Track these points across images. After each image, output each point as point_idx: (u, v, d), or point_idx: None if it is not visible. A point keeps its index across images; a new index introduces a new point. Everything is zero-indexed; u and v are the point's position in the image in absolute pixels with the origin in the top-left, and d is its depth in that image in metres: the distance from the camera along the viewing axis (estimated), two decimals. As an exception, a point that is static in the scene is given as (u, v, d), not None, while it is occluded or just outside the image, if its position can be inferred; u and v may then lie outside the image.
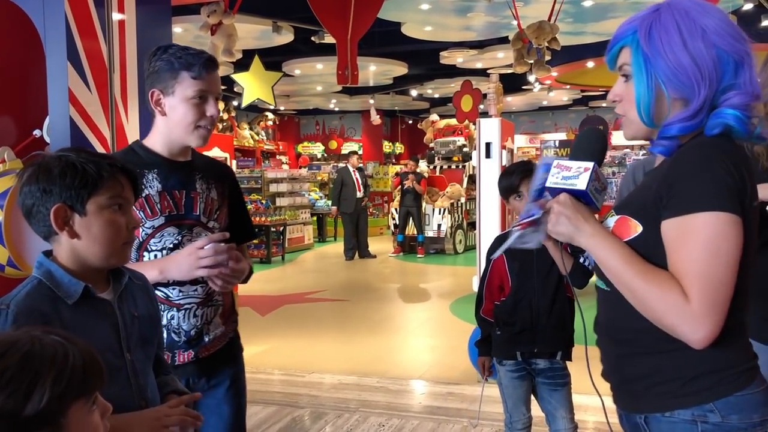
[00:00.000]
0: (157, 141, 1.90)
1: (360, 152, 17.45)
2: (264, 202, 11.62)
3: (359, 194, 11.51)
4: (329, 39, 9.24)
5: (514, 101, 17.93)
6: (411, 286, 9.04)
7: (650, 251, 1.25)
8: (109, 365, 1.33)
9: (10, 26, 5.25)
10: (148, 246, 1.85)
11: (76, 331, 1.26)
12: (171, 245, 1.86)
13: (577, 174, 1.27)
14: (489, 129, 4.52)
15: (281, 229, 11.73)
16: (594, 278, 1.46)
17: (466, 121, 12.55)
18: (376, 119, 15.27)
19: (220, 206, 1.96)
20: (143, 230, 1.82)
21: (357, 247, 11.43)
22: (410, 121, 22.02)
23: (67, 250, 1.34)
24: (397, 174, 12.57)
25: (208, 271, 1.74)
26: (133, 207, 1.52)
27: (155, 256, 1.85)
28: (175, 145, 1.90)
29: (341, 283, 9.25)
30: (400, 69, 13.77)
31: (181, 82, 1.82)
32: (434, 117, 13.60)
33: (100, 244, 1.33)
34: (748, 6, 8.54)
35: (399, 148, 21.90)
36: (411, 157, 12.97)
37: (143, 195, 1.81)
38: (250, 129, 17.63)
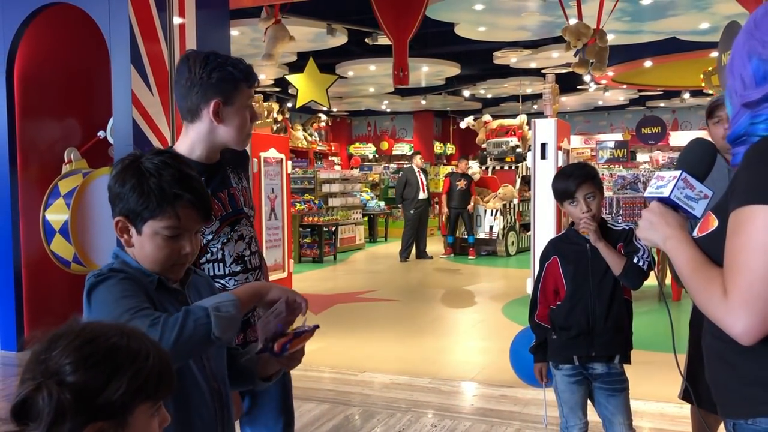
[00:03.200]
0: (196, 148, 1.96)
1: (410, 153, 17.45)
2: (317, 202, 11.75)
3: (423, 195, 11.49)
4: (382, 41, 9.29)
5: (569, 101, 17.66)
6: (462, 287, 9.00)
7: (722, 246, 1.22)
8: None
9: (77, 31, 5.46)
10: (208, 249, 1.97)
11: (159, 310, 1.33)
12: (226, 240, 2.00)
13: (666, 183, 1.38)
14: (544, 129, 4.47)
15: (333, 229, 11.83)
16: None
17: (520, 121, 12.44)
18: (469, 121, 14.11)
19: (251, 191, 2.13)
20: (204, 237, 1.94)
21: (413, 248, 11.44)
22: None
23: (129, 250, 1.43)
24: (446, 176, 12.50)
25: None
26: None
27: (215, 257, 1.98)
28: (217, 150, 1.99)
29: (392, 283, 9.27)
30: (453, 69, 13.72)
31: (241, 92, 1.94)
32: (487, 117, 13.51)
33: (150, 261, 1.40)
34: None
35: (450, 148, 21.82)
36: (461, 157, 12.83)
37: None
38: (304, 130, 17.85)
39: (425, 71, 13.66)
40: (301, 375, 4.79)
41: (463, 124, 13.77)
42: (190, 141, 1.96)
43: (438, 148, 21.34)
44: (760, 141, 1.22)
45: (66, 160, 5.59)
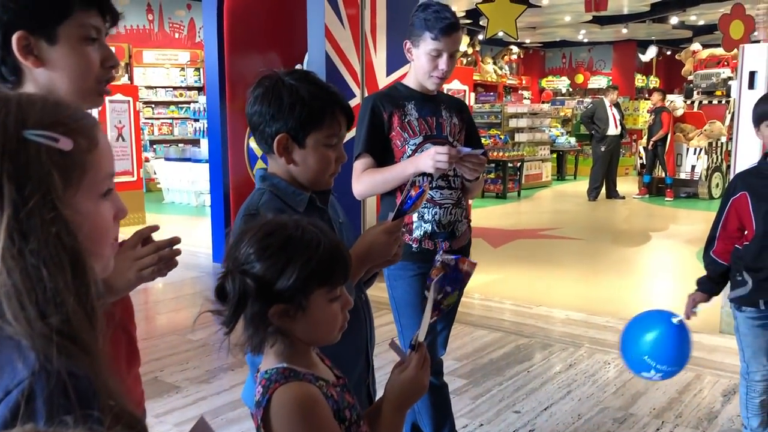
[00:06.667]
0: (411, 80, 2.41)
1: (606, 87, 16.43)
2: (503, 137, 11.59)
3: (615, 131, 10.92)
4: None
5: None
6: (655, 229, 8.51)
7: None
8: None
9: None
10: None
11: None
12: None
13: None
14: (755, 56, 4.01)
15: (518, 164, 11.66)
16: None
17: (735, 51, 11.19)
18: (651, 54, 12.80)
19: (461, 130, 2.45)
20: (408, 147, 2.32)
21: (603, 187, 10.96)
22: (668, 52, 20.10)
23: (283, 171, 1.49)
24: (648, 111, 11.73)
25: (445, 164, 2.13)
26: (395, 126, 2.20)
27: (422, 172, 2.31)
28: (421, 85, 2.38)
29: (578, 222, 9.01)
30: (660, -7, 12.58)
31: (424, 40, 2.28)
32: (696, 46, 12.30)
33: (313, 172, 1.47)
34: None
35: (653, 82, 20.21)
36: (655, 90, 11.93)
37: (405, 120, 2.31)
38: (494, 63, 17.50)
39: (627, -4, 12.69)
40: (479, 304, 4.92)
41: (645, 57, 12.75)
42: (409, 74, 2.42)
43: (640, 81, 19.88)
44: None
45: (268, 92, 6.05)
